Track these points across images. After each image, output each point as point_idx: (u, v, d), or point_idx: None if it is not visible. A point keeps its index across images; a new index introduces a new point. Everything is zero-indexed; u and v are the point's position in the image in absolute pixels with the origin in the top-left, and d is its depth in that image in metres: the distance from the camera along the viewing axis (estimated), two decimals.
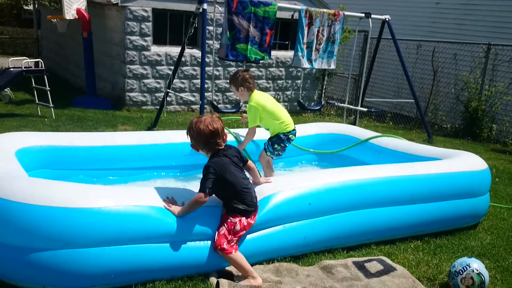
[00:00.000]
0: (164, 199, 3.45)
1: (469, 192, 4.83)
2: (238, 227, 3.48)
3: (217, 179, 3.44)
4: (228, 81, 11.63)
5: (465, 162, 5.01)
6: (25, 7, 22.07)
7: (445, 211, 4.67)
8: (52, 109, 9.12)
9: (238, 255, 3.45)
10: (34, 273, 3.09)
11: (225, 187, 3.49)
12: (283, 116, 5.32)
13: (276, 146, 5.32)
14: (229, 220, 3.48)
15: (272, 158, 5.41)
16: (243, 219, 3.51)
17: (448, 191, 4.69)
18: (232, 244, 3.46)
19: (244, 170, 3.73)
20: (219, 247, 3.41)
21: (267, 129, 5.43)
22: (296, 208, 3.90)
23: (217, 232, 3.48)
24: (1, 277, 3.19)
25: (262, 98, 5.29)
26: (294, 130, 5.40)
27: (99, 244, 3.14)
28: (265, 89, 12.14)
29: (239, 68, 5.37)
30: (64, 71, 15.18)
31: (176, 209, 3.41)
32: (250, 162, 3.84)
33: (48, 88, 9.08)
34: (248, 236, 3.66)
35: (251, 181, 3.82)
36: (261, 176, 4.10)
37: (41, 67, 9.65)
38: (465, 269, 3.54)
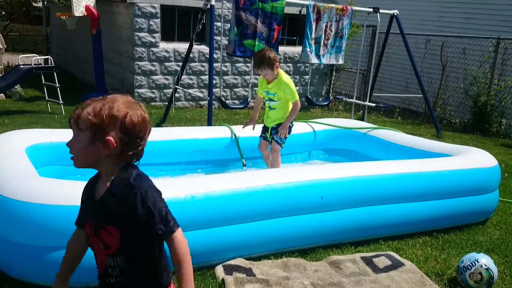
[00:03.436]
0: None
1: (479, 189, 4.81)
2: None
3: None
4: (235, 77, 11.65)
5: (476, 159, 4.99)
6: (34, 4, 22.18)
7: (455, 208, 4.65)
8: (61, 105, 9.18)
9: None
10: (43, 269, 3.13)
11: None
12: None
13: (288, 135, 5.36)
14: None
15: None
16: None
17: (458, 188, 4.68)
18: None
19: None
20: None
21: (271, 108, 5.34)
22: (308, 200, 3.93)
23: None
24: (11, 273, 3.23)
25: None
26: None
27: None
28: None
29: (264, 49, 5.33)
30: (74, 68, 15.27)
31: None
32: None
33: (57, 85, 9.15)
34: (256, 225, 3.71)
35: None
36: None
37: (51, 64, 9.73)
38: (474, 264, 3.54)
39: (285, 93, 5.19)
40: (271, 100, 5.34)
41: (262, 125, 5.63)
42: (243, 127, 5.72)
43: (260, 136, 5.59)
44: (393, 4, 11.11)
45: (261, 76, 5.36)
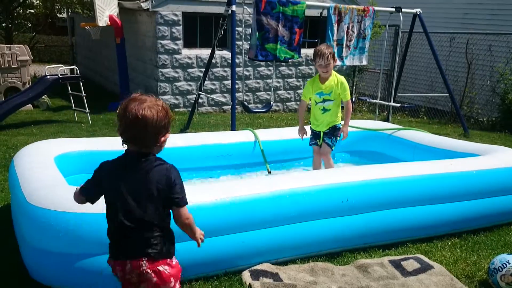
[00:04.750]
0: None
1: (508, 188, 4.72)
2: None
3: None
4: (258, 81, 11.67)
5: (504, 158, 4.90)
6: (59, 15, 22.59)
7: (484, 209, 4.57)
8: (88, 114, 9.33)
9: None
10: (73, 277, 3.19)
11: None
12: None
13: (338, 138, 5.29)
14: None
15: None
16: None
17: (486, 188, 4.59)
18: None
19: None
20: None
21: (326, 110, 5.18)
22: (334, 203, 3.92)
23: None
24: (43, 281, 3.30)
25: None
26: None
27: None
28: (296, 87, 12.13)
29: (323, 44, 5.28)
30: (99, 77, 15.51)
31: None
32: None
33: (84, 94, 9.29)
34: (282, 229, 3.72)
35: None
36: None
37: (77, 73, 9.88)
38: (505, 265, 3.47)
39: (341, 90, 5.12)
40: (325, 100, 5.16)
41: (310, 131, 5.46)
42: (302, 139, 5.52)
43: (312, 144, 5.43)
44: (415, 3, 10.99)
45: (311, 77, 5.31)
